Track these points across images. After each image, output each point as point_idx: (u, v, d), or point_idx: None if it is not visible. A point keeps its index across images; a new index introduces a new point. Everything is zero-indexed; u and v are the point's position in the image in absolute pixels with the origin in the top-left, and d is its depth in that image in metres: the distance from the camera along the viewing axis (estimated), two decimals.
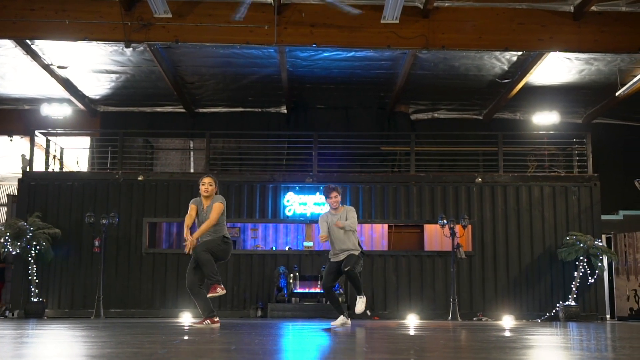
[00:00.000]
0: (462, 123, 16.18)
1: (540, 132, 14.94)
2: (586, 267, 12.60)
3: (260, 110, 16.07)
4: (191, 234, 7.08)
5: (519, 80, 13.36)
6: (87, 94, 15.15)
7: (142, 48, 12.12)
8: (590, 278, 12.70)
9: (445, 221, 12.53)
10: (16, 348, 3.91)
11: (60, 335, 5.39)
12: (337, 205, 7.97)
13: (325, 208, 13.24)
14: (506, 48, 11.95)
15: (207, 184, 7.22)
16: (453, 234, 12.42)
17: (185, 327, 6.54)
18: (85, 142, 15.94)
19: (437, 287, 13.00)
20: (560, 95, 14.54)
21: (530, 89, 14.13)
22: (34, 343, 4.38)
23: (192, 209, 7.16)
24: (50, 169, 13.84)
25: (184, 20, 11.51)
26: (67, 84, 14.25)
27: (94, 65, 13.35)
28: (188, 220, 7.11)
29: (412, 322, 10.75)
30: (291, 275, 12.81)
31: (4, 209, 16.28)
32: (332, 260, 7.96)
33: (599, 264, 12.59)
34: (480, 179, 13.38)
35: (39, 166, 13.88)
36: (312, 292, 12.85)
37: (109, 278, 12.79)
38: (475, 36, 11.72)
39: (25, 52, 12.30)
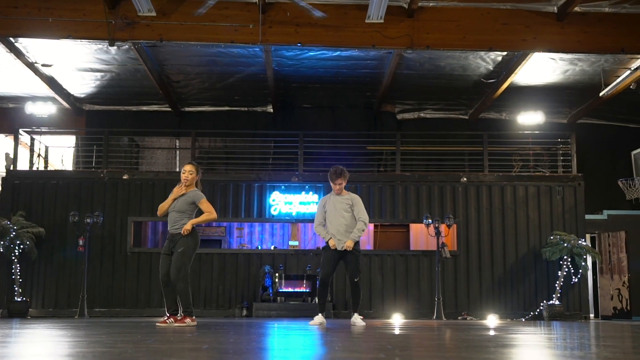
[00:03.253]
0: (448, 123, 16.24)
1: (525, 132, 15.00)
2: (570, 266, 12.67)
3: (246, 109, 16.06)
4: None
5: (504, 80, 13.42)
6: (72, 93, 15.08)
7: (126, 46, 12.08)
8: (574, 277, 12.78)
9: (430, 220, 12.56)
10: None
11: (37, 334, 5.36)
12: (341, 192, 7.89)
13: (311, 207, 13.38)
14: (490, 48, 11.99)
15: (187, 172, 7.10)
16: (438, 234, 12.46)
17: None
18: (70, 140, 15.87)
19: (422, 287, 13.04)
20: (545, 95, 14.61)
21: (515, 89, 14.19)
22: (7, 343, 4.35)
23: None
24: (34, 168, 13.77)
25: (168, 18, 11.48)
26: (51, 82, 14.18)
27: (78, 63, 13.29)
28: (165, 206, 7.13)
29: (396, 321, 10.77)
30: (276, 274, 12.80)
31: None
32: (331, 248, 7.74)
33: (583, 264, 12.66)
34: (465, 179, 13.43)
35: (23, 165, 13.80)
36: (297, 292, 12.85)
37: (93, 277, 12.75)
38: (460, 36, 11.76)
39: (8, 50, 12.23)
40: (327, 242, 7.83)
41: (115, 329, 6.06)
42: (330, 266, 7.78)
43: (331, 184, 7.94)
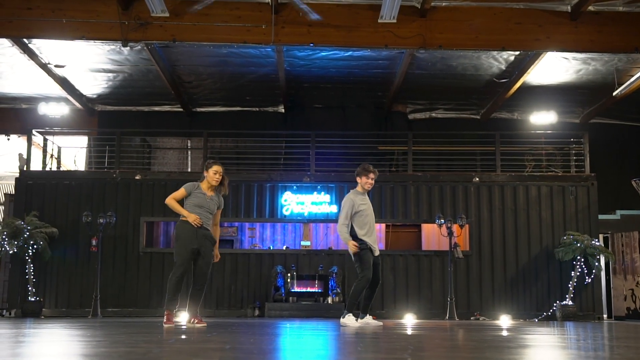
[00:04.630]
0: (460, 123, 16.20)
1: (538, 131, 14.96)
2: (583, 266, 12.62)
3: (257, 109, 16.07)
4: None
5: (517, 79, 13.38)
6: (84, 93, 15.14)
7: (139, 47, 12.11)
8: (587, 278, 12.72)
9: (442, 221, 12.53)
10: (11, 347, 3.91)
11: (56, 334, 5.39)
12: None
13: (323, 207, 13.38)
14: (503, 48, 11.95)
15: (219, 173, 7.03)
16: (450, 234, 12.42)
17: (183, 327, 6.52)
18: (82, 141, 15.94)
19: (435, 287, 13.01)
20: (557, 95, 14.56)
21: (527, 89, 14.14)
22: (30, 342, 4.37)
23: (182, 194, 7.01)
24: (47, 168, 13.84)
25: (181, 19, 11.51)
26: (64, 82, 14.24)
27: (91, 64, 13.34)
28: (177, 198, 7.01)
29: (409, 321, 10.75)
30: (288, 274, 12.81)
31: (1, 208, 16.26)
32: (372, 250, 7.59)
33: (596, 264, 12.61)
34: (477, 179, 13.39)
35: (36, 165, 13.87)
36: (309, 292, 12.85)
37: (106, 277, 12.78)
38: (472, 36, 11.72)
39: (22, 51, 12.29)
40: (367, 244, 7.54)
41: (133, 329, 6.07)
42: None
43: (365, 180, 7.64)
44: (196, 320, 6.90)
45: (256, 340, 4.54)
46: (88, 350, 3.64)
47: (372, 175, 7.67)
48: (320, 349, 4.04)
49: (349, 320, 7.48)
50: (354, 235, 7.60)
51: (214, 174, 7.02)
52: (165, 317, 6.89)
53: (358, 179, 7.76)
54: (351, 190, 7.86)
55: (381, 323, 7.82)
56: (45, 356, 3.25)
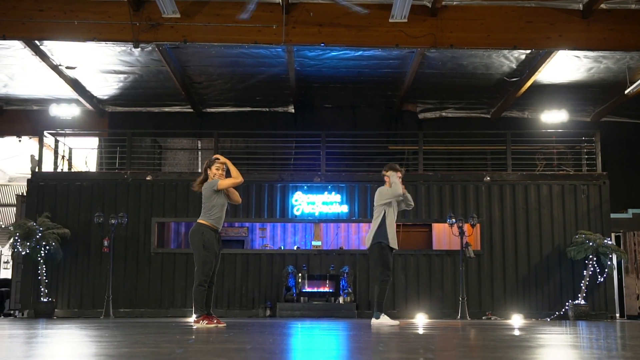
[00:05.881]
0: (470, 122, 16.15)
1: (549, 130, 14.89)
2: (595, 265, 12.57)
3: (267, 109, 16.08)
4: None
5: (527, 78, 13.33)
6: (95, 94, 15.19)
7: (150, 48, 12.14)
8: (599, 277, 12.67)
9: (453, 220, 12.51)
10: (31, 348, 3.92)
11: (73, 335, 5.40)
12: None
13: (334, 207, 13.38)
14: (514, 46, 11.92)
15: (221, 168, 7.03)
16: (462, 233, 12.40)
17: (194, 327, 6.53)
18: (93, 142, 16.00)
19: (446, 286, 12.99)
20: (568, 93, 14.50)
21: (538, 88, 14.09)
22: (48, 343, 4.39)
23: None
24: (59, 169, 13.89)
25: (192, 20, 11.53)
26: (75, 84, 14.29)
27: (102, 65, 13.38)
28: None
29: (421, 321, 10.74)
30: (300, 274, 12.82)
31: (14, 209, 16.34)
32: (392, 247, 7.81)
33: (609, 263, 12.57)
34: (488, 178, 13.36)
35: (47, 166, 13.92)
36: (320, 292, 12.85)
37: (117, 278, 12.83)
38: (484, 35, 11.69)
39: (34, 53, 12.34)
40: (389, 243, 7.71)
41: (149, 329, 6.09)
42: None
43: (397, 175, 7.85)
44: (206, 321, 6.81)
45: (275, 340, 4.54)
46: (110, 350, 3.65)
47: (398, 174, 7.83)
48: (341, 348, 4.03)
49: (384, 319, 7.57)
50: (382, 225, 7.71)
51: (216, 169, 7.03)
52: (207, 320, 6.73)
53: (386, 179, 7.85)
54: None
55: (398, 322, 7.84)
56: (68, 357, 3.26)
